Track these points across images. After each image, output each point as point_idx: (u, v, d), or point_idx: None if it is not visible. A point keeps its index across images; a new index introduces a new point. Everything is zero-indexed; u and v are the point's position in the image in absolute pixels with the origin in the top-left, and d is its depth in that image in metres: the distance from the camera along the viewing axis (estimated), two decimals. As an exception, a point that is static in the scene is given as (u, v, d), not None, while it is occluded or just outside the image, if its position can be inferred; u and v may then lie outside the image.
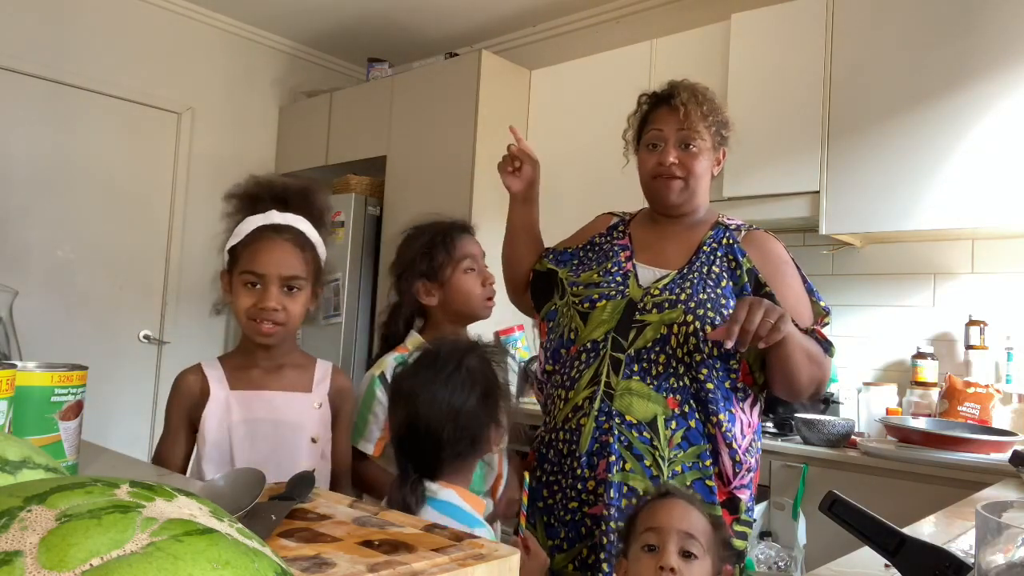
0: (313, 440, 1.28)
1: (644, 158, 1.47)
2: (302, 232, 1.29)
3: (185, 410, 1.30)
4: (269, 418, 1.27)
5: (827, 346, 1.38)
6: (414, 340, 1.56)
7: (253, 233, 1.26)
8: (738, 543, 1.34)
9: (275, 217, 1.27)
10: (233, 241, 1.29)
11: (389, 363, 1.49)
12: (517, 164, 1.57)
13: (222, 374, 1.31)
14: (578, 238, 1.62)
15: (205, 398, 1.29)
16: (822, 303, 1.43)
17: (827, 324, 1.43)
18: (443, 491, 1.08)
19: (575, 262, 1.56)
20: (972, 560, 0.62)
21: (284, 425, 1.27)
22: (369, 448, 1.47)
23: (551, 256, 1.60)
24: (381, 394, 1.48)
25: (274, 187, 1.33)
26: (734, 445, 1.34)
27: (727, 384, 1.36)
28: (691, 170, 1.42)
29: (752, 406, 1.41)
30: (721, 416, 1.33)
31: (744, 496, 1.36)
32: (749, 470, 1.38)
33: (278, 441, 1.26)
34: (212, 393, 1.28)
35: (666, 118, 1.43)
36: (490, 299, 1.59)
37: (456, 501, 1.08)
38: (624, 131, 1.55)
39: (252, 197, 1.31)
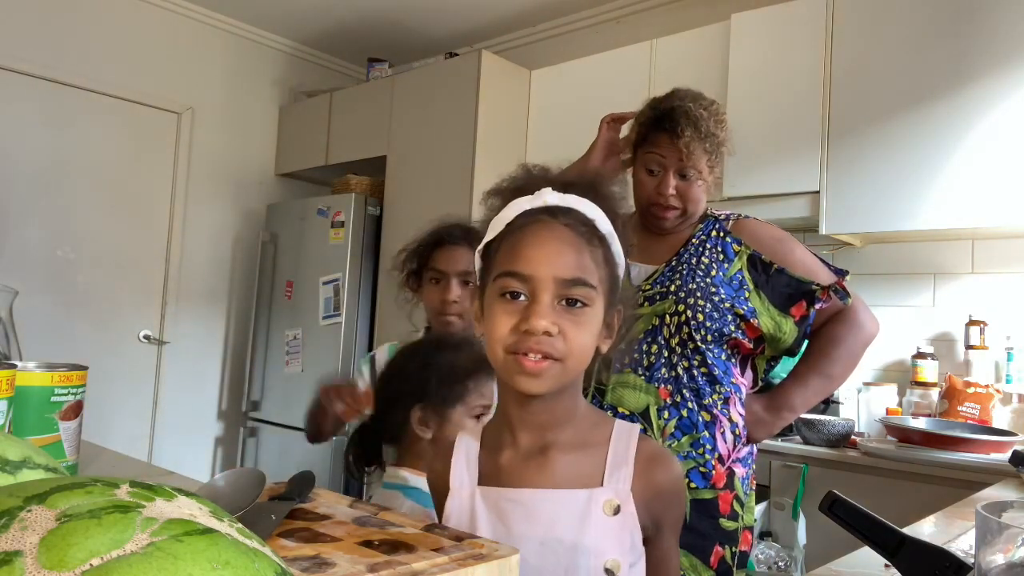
0: (608, 572, 0.80)
1: (642, 180, 1.44)
2: (590, 219, 0.84)
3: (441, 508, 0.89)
4: (529, 534, 0.80)
5: (843, 296, 1.42)
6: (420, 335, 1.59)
7: (517, 219, 0.84)
8: (726, 523, 1.32)
9: (550, 197, 0.84)
10: (489, 236, 0.87)
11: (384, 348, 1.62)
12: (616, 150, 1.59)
13: (474, 451, 0.89)
14: None
15: (446, 491, 0.87)
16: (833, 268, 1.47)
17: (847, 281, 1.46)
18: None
19: None
20: (972, 560, 0.62)
21: (556, 546, 0.80)
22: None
23: None
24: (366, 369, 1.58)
25: (553, 176, 0.90)
26: (733, 418, 1.36)
27: (723, 356, 1.37)
28: (689, 198, 1.41)
29: (750, 368, 1.46)
30: (715, 396, 1.35)
31: (739, 470, 1.36)
32: (745, 443, 1.40)
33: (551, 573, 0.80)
34: (453, 487, 0.87)
35: (668, 146, 1.39)
36: (445, 315, 1.49)
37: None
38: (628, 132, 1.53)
39: (520, 191, 0.87)
